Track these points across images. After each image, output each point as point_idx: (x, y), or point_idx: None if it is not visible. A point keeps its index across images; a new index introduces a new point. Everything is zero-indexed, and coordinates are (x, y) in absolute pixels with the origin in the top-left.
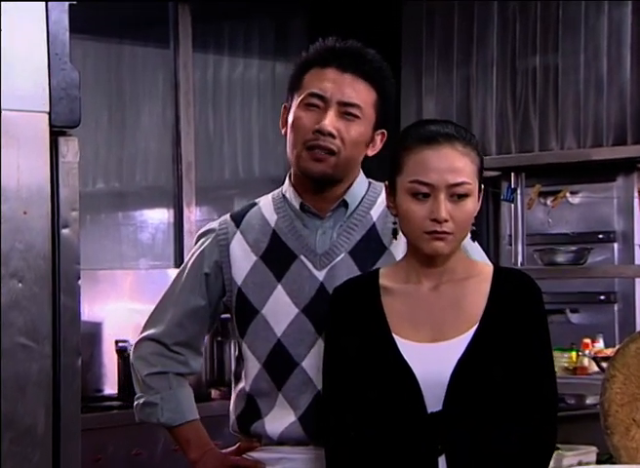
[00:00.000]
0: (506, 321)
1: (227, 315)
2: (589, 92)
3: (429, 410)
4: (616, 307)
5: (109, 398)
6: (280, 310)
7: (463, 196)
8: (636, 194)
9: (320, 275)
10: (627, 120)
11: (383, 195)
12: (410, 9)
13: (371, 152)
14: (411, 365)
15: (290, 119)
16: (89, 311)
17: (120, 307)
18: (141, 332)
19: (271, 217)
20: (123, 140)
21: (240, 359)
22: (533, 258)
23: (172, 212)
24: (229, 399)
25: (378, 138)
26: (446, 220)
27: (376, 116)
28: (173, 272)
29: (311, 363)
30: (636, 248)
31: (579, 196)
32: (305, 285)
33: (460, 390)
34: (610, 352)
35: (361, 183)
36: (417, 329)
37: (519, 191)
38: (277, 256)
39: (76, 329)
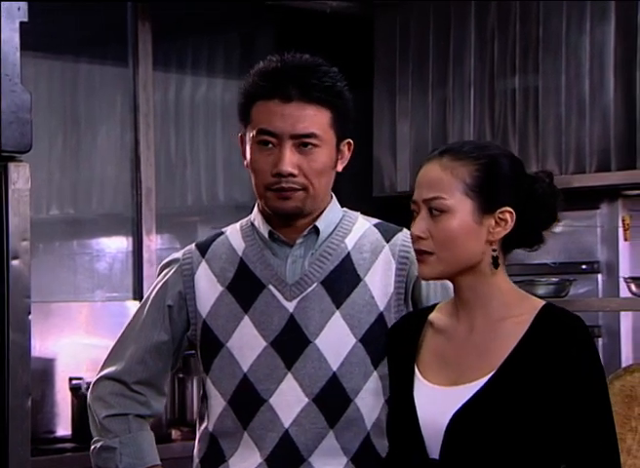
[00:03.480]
0: (535, 368)
1: (191, 351)
2: (571, 115)
3: (431, 457)
4: (600, 342)
5: (62, 440)
6: (247, 343)
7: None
8: (620, 223)
9: (290, 306)
10: (611, 145)
11: (359, 224)
12: (382, 25)
13: (340, 167)
14: (417, 407)
15: (247, 157)
16: (40, 346)
17: (74, 342)
18: (100, 371)
19: (239, 246)
20: (78, 165)
21: (204, 397)
22: None
23: (130, 240)
24: (191, 439)
25: (345, 150)
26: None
27: (336, 134)
28: (131, 304)
29: (279, 400)
30: (621, 279)
31: (560, 225)
32: (274, 316)
33: (458, 440)
34: None
35: (334, 210)
36: (440, 370)
37: None
38: (244, 286)
39: (26, 367)
